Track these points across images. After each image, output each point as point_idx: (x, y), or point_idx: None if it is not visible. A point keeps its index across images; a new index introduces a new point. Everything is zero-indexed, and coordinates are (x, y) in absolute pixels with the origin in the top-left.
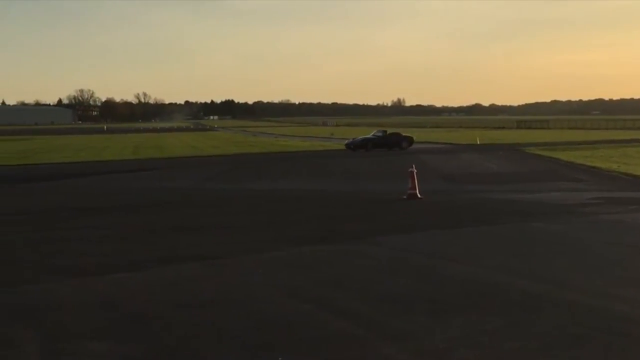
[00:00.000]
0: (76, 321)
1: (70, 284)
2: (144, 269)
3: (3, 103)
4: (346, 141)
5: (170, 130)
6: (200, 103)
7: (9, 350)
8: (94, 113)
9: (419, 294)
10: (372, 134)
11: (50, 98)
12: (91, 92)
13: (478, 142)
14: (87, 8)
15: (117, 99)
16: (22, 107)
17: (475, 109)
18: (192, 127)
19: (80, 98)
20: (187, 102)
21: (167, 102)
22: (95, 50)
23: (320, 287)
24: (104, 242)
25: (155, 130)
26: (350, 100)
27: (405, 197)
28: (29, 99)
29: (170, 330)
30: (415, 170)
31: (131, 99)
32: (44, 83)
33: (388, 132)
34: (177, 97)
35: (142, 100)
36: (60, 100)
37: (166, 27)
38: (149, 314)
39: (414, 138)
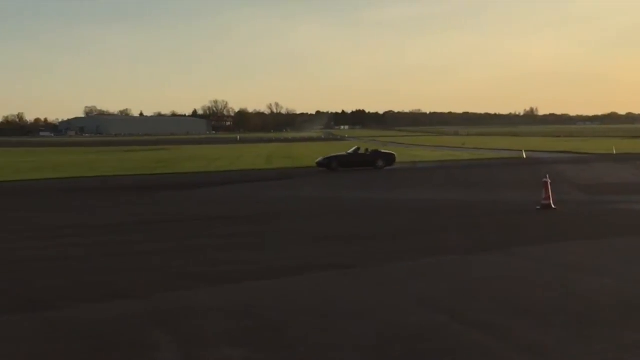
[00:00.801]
0: (213, 328)
1: (208, 291)
2: (280, 276)
3: (141, 114)
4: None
5: (301, 140)
6: (332, 113)
7: (148, 355)
8: (228, 123)
9: (555, 306)
10: (351, 150)
11: (185, 109)
12: (225, 103)
13: (614, 152)
14: (222, 21)
15: (250, 109)
16: (159, 117)
17: (611, 117)
18: (323, 137)
19: (214, 109)
20: (318, 112)
21: (298, 112)
22: (230, 62)
23: (453, 298)
24: (240, 250)
25: (287, 140)
26: (481, 110)
27: (539, 207)
28: (166, 110)
29: (305, 339)
30: (550, 180)
31: (264, 109)
32: (180, 94)
33: (369, 150)
34: (309, 108)
35: (275, 110)
36: (195, 111)
37: (298, 39)
38: (284, 322)
39: (396, 156)
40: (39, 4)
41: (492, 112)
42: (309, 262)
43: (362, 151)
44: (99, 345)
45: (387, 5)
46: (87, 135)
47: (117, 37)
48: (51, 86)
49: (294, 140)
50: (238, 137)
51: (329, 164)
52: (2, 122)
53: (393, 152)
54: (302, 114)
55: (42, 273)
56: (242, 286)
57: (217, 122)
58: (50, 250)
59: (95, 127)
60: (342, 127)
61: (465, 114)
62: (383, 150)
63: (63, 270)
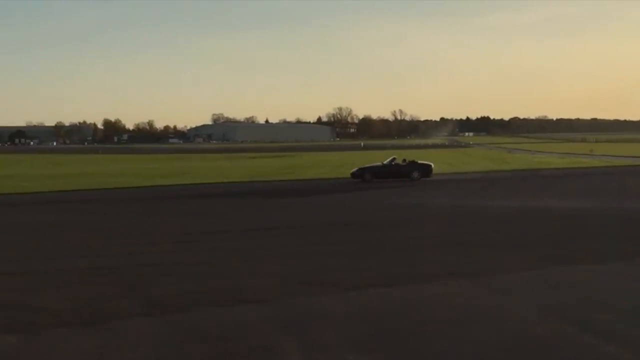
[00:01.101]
0: (336, 333)
1: (332, 297)
2: (401, 284)
3: (266, 121)
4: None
5: (425, 146)
6: (456, 120)
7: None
8: (351, 130)
9: None
10: (387, 160)
11: (310, 116)
12: (349, 110)
13: None
14: (347, 28)
15: (374, 116)
16: (284, 124)
17: None
18: (447, 143)
19: (338, 115)
20: (442, 118)
21: (422, 119)
22: (354, 69)
23: (584, 309)
24: (363, 257)
25: (410, 147)
26: (610, 116)
27: None
28: (291, 117)
29: (430, 347)
30: None
31: (387, 116)
32: (305, 101)
33: (406, 160)
34: (433, 114)
35: (398, 117)
36: (319, 118)
37: (422, 45)
38: (409, 329)
39: (432, 167)
40: (169, 14)
41: (621, 118)
42: (432, 270)
43: (398, 161)
44: (225, 349)
45: (514, 10)
46: (214, 142)
47: (243, 45)
48: (180, 94)
49: (417, 147)
50: (362, 144)
51: (362, 175)
52: (133, 130)
53: (430, 163)
54: (426, 121)
55: (171, 277)
56: (366, 293)
57: (341, 129)
58: (180, 255)
59: (221, 134)
60: (467, 133)
61: (594, 120)
62: (420, 162)
63: (192, 274)
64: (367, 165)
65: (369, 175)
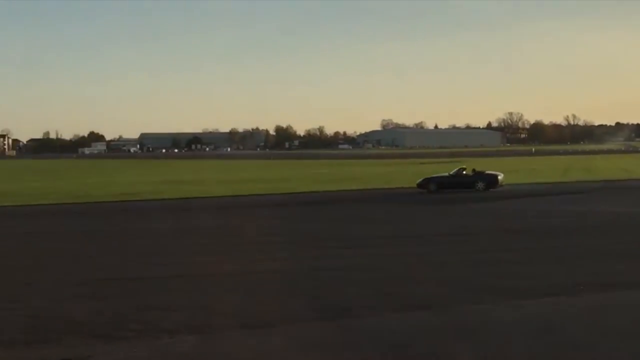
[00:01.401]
0: (512, 344)
1: (506, 305)
2: (578, 293)
3: (435, 127)
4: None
5: (599, 152)
6: (633, 124)
7: None
8: (522, 135)
9: None
10: (453, 171)
11: (480, 121)
12: (520, 115)
13: None
14: (515, 32)
15: (546, 121)
16: (453, 130)
17: None
18: (622, 149)
19: (509, 121)
20: (617, 123)
21: (596, 124)
22: (525, 73)
23: None
24: (538, 265)
25: (584, 152)
26: None
27: None
28: (460, 123)
29: None
30: None
31: (560, 121)
32: (475, 107)
33: (475, 170)
34: (608, 119)
35: (571, 122)
36: (489, 124)
37: (596, 47)
38: (588, 341)
39: (498, 177)
40: (338, 20)
41: None
42: (610, 280)
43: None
44: (397, 354)
45: None
46: (382, 147)
47: (412, 50)
48: (350, 100)
49: (592, 152)
50: (533, 149)
51: (427, 185)
52: (304, 136)
53: (496, 174)
54: (601, 126)
55: (346, 282)
56: (542, 302)
57: (511, 135)
58: (355, 260)
59: (391, 140)
60: None
61: None
62: (487, 172)
63: (367, 279)
64: (433, 176)
65: (434, 186)
